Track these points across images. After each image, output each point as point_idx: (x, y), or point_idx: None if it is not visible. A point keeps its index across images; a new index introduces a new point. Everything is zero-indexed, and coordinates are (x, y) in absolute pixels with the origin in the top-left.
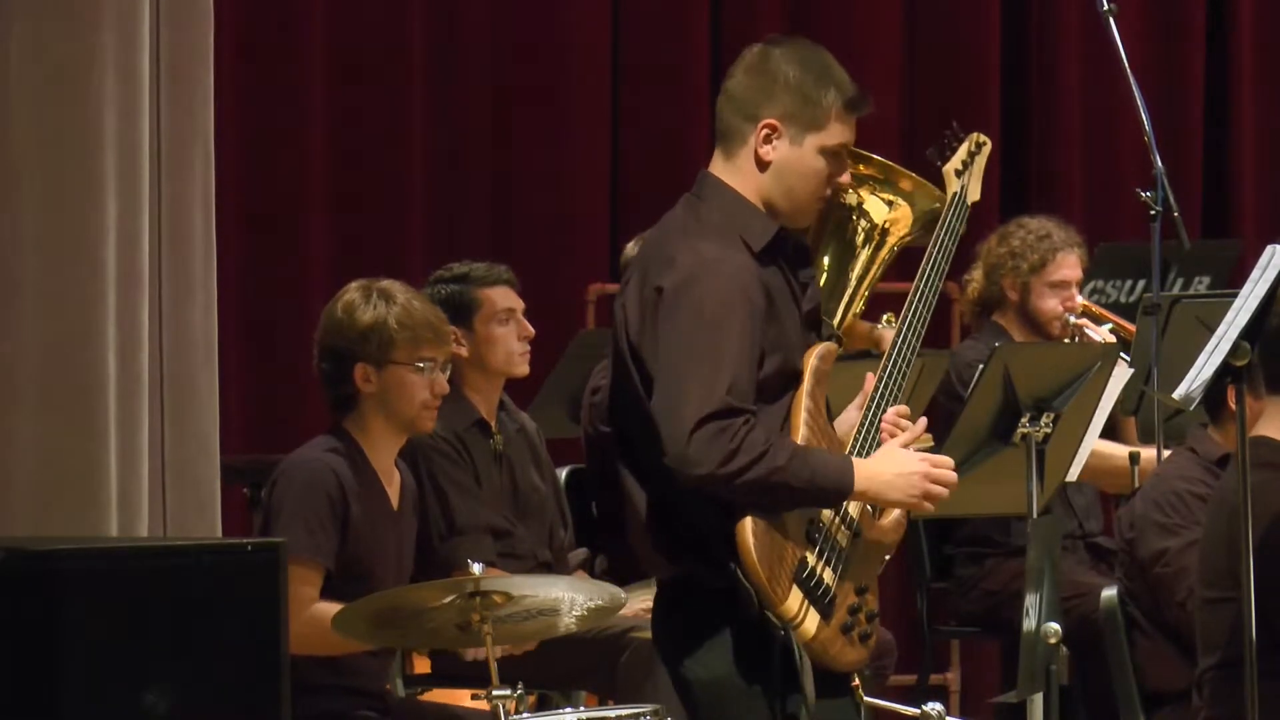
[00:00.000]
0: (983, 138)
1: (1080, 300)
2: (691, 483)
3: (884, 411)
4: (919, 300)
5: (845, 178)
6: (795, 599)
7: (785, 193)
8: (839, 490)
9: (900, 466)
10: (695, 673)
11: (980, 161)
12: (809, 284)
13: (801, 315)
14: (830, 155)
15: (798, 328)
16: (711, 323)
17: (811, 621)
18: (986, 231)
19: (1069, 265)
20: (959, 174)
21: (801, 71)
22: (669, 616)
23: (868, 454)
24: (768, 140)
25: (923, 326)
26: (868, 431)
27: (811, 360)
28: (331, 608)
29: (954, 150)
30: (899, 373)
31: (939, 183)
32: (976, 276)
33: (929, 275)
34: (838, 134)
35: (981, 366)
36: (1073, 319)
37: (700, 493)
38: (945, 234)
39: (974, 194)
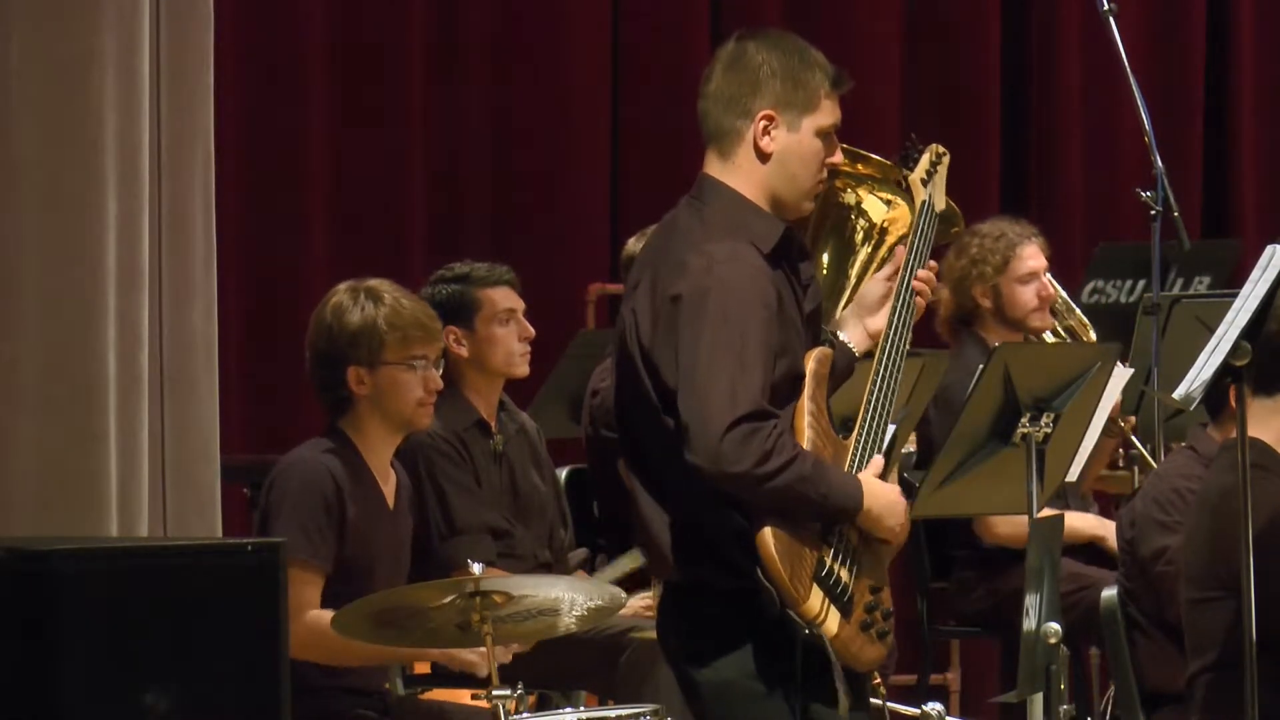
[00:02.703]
0: (941, 149)
1: (1052, 286)
2: (723, 482)
3: (879, 425)
4: (901, 306)
5: (836, 156)
6: (817, 598)
7: (789, 181)
8: (849, 511)
9: (891, 494)
10: (704, 675)
11: (942, 171)
12: (810, 284)
13: (803, 317)
14: (824, 136)
15: (800, 332)
16: (736, 324)
17: (833, 620)
18: None
19: (1031, 255)
20: (924, 183)
21: (783, 57)
22: (676, 618)
23: (871, 450)
24: (766, 131)
25: (908, 331)
26: (867, 439)
27: (810, 364)
28: (330, 614)
29: (916, 160)
30: (889, 382)
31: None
32: (944, 296)
33: (907, 280)
34: (829, 113)
35: (981, 367)
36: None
37: (722, 494)
38: (919, 241)
39: (939, 203)
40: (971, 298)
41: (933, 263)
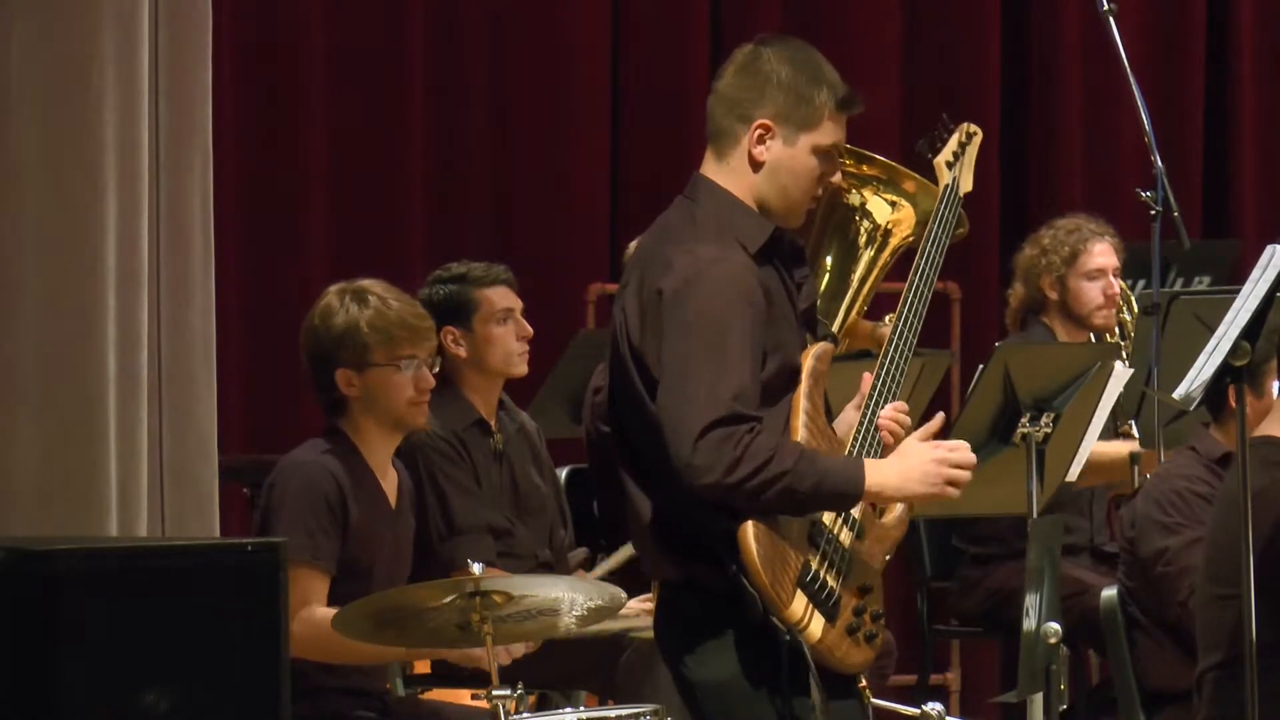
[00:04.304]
0: (973, 128)
1: (1119, 285)
2: (699, 493)
3: (883, 409)
4: (914, 295)
5: (836, 177)
6: (799, 603)
7: (779, 192)
8: (849, 493)
9: (914, 459)
10: (699, 675)
11: (971, 152)
12: (804, 283)
13: (798, 315)
14: (823, 155)
15: (795, 328)
16: (715, 325)
17: (816, 625)
18: (986, 229)
19: (1102, 252)
20: (950, 166)
21: (794, 71)
22: (672, 618)
23: (868, 454)
24: (761, 140)
25: (919, 322)
26: (867, 430)
27: (808, 361)
28: (331, 612)
29: (944, 143)
30: (896, 369)
31: (931, 175)
32: (1017, 288)
33: (923, 269)
34: (830, 133)
35: (981, 367)
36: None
37: (706, 500)
38: (938, 226)
39: (965, 185)
40: (1040, 289)
41: (903, 404)
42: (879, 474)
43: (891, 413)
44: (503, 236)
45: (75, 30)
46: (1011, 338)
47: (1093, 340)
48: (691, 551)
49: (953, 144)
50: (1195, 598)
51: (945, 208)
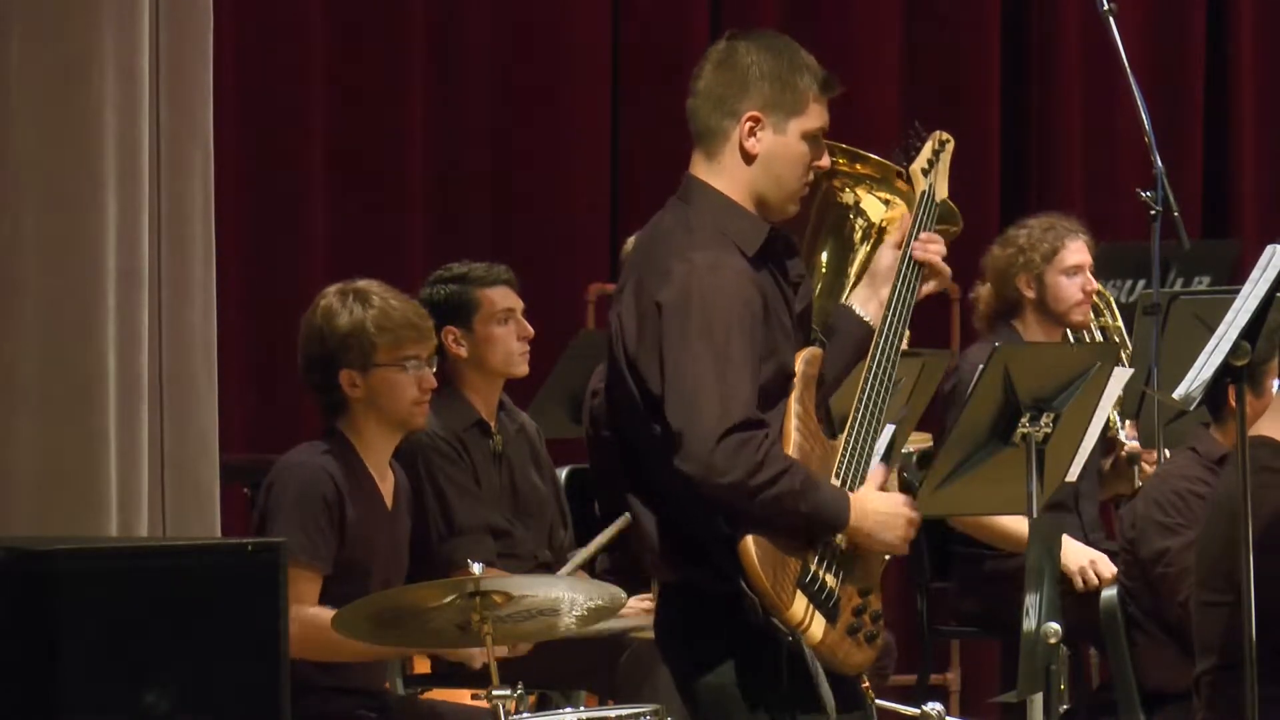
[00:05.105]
0: (945, 135)
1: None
2: (716, 492)
3: (872, 421)
4: (897, 300)
5: (824, 161)
6: (800, 604)
7: (774, 183)
8: (835, 526)
9: (894, 511)
10: (699, 677)
11: (945, 159)
12: (799, 283)
13: (793, 317)
14: (811, 140)
15: (789, 332)
16: (720, 332)
17: (818, 626)
18: (986, 229)
19: (1078, 250)
20: (925, 173)
21: (773, 59)
22: (672, 621)
23: (857, 465)
24: (752, 132)
25: (903, 326)
26: (856, 443)
27: (799, 365)
28: (328, 612)
29: (918, 150)
30: (884, 376)
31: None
32: (984, 291)
33: (904, 274)
34: (816, 116)
35: (981, 367)
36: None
37: (712, 503)
38: (918, 231)
39: (941, 191)
40: (1015, 288)
41: (939, 236)
42: (861, 519)
43: (931, 239)
44: (503, 236)
45: (75, 30)
46: (980, 343)
47: (1070, 340)
48: (691, 555)
49: (926, 151)
50: (1189, 601)
51: (923, 213)
